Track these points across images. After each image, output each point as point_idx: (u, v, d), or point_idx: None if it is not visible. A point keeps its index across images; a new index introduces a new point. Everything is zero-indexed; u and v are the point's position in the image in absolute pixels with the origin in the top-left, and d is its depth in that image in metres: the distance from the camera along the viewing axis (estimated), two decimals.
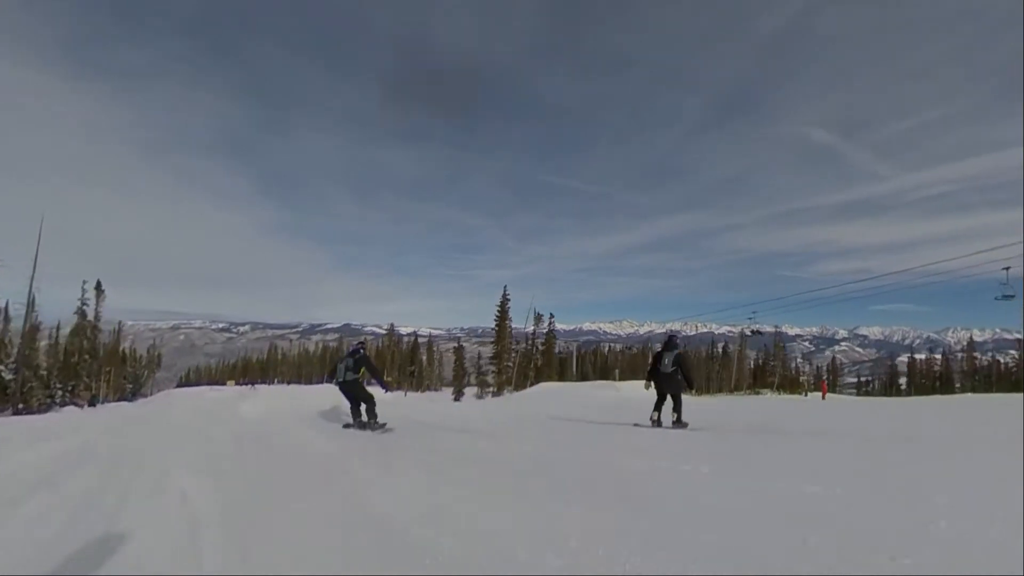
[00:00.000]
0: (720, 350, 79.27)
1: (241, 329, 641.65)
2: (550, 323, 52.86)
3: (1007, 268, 22.11)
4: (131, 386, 57.58)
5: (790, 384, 70.82)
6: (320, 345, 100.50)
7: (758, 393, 61.55)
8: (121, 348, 55.85)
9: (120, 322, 53.98)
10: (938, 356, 79.30)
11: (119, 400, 49.37)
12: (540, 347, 51.80)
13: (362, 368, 9.22)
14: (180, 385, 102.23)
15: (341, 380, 9.15)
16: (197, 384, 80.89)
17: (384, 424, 8.87)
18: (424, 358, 77.07)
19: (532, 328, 51.67)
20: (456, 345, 57.64)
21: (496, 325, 47.30)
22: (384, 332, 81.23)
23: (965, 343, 77.65)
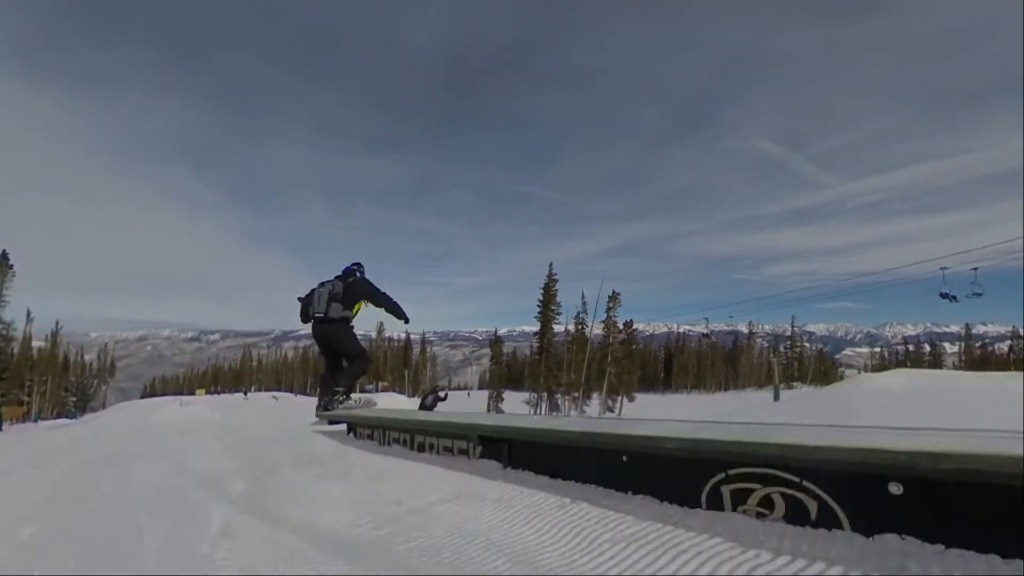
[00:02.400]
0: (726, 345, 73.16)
1: (211, 338, 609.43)
2: (608, 316, 41.07)
3: (975, 268, 23.10)
4: (74, 399, 45.91)
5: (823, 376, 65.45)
6: (300, 351, 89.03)
7: (791, 387, 56.36)
8: (60, 354, 44.22)
9: (56, 322, 42.58)
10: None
11: (58, 416, 38.32)
12: (617, 342, 40.71)
13: (358, 302, 5.12)
14: (145, 396, 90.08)
15: (318, 314, 4.96)
16: (162, 395, 68.90)
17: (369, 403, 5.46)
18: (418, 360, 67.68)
19: (604, 320, 40.73)
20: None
21: (539, 312, 38.02)
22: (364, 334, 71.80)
23: (901, 337, 79.63)
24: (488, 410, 32.60)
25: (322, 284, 5.16)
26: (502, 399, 39.25)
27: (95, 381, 51.68)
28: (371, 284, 5.26)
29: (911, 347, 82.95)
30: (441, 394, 5.45)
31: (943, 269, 22.92)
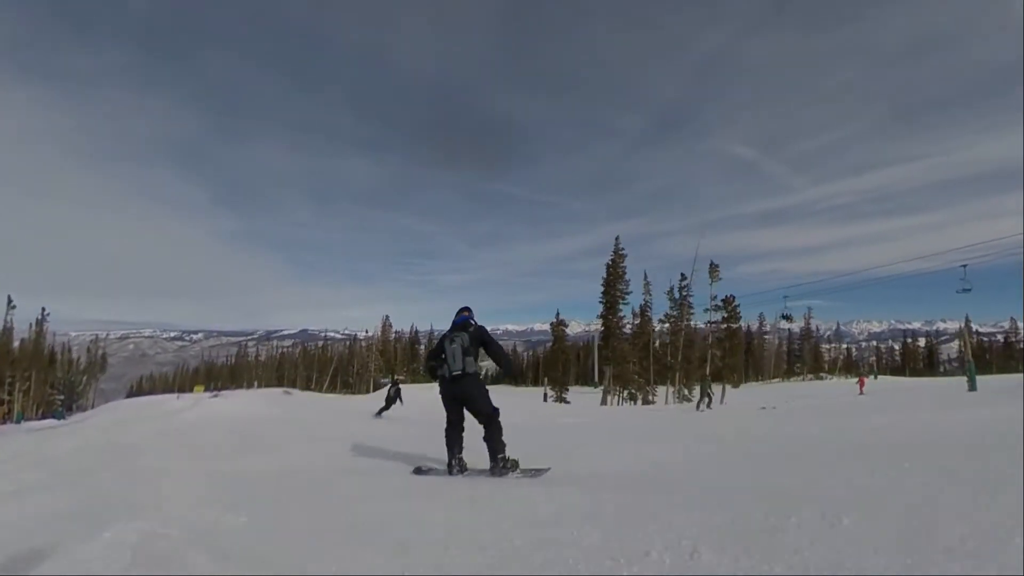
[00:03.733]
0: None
1: (194, 337, 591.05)
2: (682, 298, 35.48)
3: (964, 265, 23.51)
4: (62, 397, 40.72)
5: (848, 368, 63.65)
6: (306, 348, 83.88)
7: (821, 378, 54.29)
8: (46, 348, 38.99)
9: (43, 310, 37.47)
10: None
11: (44, 417, 33.43)
12: (721, 327, 34.96)
13: (478, 350, 4.95)
14: (131, 395, 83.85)
15: (456, 372, 4.78)
16: (150, 394, 63.32)
17: (516, 464, 4.66)
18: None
19: (711, 301, 34.65)
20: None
21: (603, 294, 33.68)
22: (341, 337, 68.36)
23: (867, 333, 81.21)
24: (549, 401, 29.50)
25: (451, 339, 4.89)
26: (566, 390, 35.87)
27: (84, 378, 46.21)
28: (487, 331, 5.06)
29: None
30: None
31: (964, 266, 23.78)
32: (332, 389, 56.73)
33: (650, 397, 32.14)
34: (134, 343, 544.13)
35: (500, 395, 5.95)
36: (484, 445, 4.71)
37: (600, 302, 34.23)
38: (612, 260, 34.16)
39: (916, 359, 79.91)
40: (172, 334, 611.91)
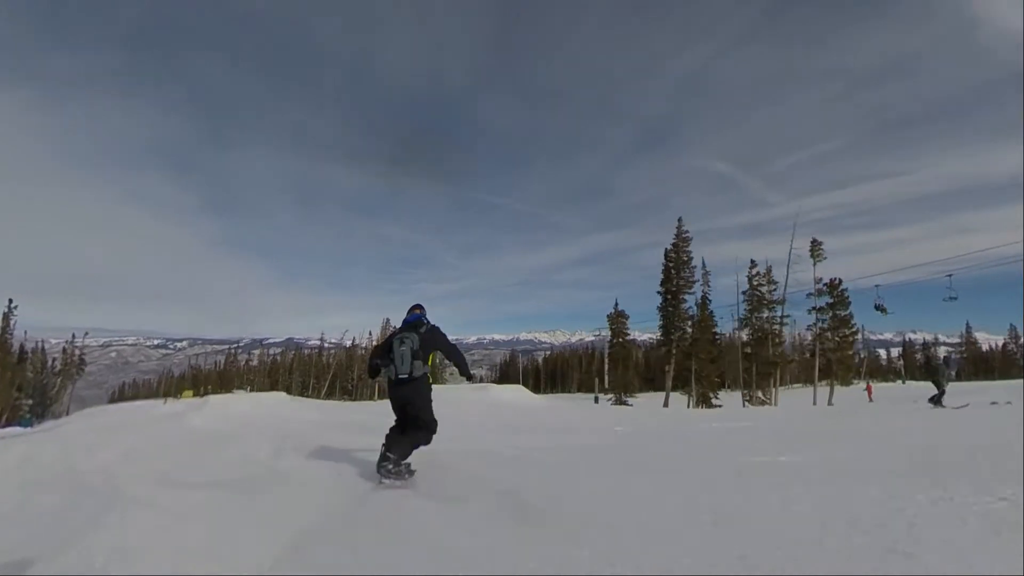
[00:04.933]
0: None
1: (179, 345, 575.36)
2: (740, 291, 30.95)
3: (950, 275, 23.66)
4: (31, 402, 35.72)
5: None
6: (300, 353, 78.71)
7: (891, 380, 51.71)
8: (14, 344, 34.09)
9: (9, 302, 32.72)
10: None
11: (8, 424, 28.73)
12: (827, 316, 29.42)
13: (432, 353, 4.65)
14: (114, 401, 78.06)
15: (402, 376, 4.44)
16: (133, 400, 58.03)
17: (410, 475, 4.28)
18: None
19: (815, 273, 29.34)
20: None
21: (662, 284, 29.80)
22: (332, 344, 64.52)
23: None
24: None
25: (400, 340, 4.48)
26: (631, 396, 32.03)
27: (58, 380, 41.08)
28: (443, 334, 4.66)
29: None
30: None
31: (949, 276, 23.83)
32: (331, 395, 52.42)
33: (713, 399, 28.41)
34: (116, 350, 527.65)
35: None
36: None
37: (659, 292, 30.55)
38: (674, 244, 30.38)
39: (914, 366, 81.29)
40: (156, 342, 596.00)
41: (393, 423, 4.76)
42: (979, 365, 77.08)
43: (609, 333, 39.20)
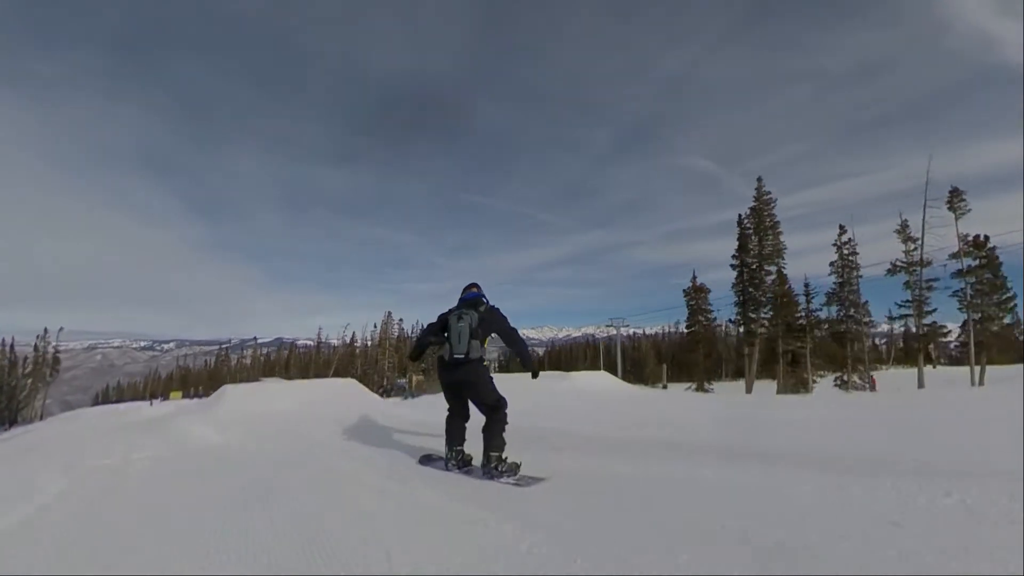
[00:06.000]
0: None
1: (166, 347, 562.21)
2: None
3: (945, 264, 23.80)
4: None
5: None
6: (295, 350, 74.24)
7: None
8: None
9: None
10: None
11: None
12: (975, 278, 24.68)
13: (488, 335, 4.18)
14: (98, 403, 73.24)
15: (458, 356, 3.98)
16: (118, 402, 53.29)
17: (516, 468, 3.79)
18: None
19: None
20: None
21: (738, 251, 26.17)
22: (314, 344, 60.69)
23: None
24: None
25: (458, 316, 4.04)
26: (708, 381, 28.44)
27: (29, 382, 36.31)
28: (503, 316, 4.19)
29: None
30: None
31: (944, 265, 23.59)
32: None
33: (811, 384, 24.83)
34: (102, 353, 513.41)
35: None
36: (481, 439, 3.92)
37: (733, 265, 26.59)
38: (753, 209, 26.29)
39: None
40: (142, 344, 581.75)
41: (447, 413, 4.34)
42: None
43: (617, 325, 35.50)
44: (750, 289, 26.49)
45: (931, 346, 24.33)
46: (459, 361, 3.96)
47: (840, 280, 26.23)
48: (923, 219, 23.93)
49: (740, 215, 27.38)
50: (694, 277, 33.50)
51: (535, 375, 4.41)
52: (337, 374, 51.93)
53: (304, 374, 59.89)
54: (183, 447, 5.58)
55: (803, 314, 26.78)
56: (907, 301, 24.04)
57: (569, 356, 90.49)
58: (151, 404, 21.38)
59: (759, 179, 26.88)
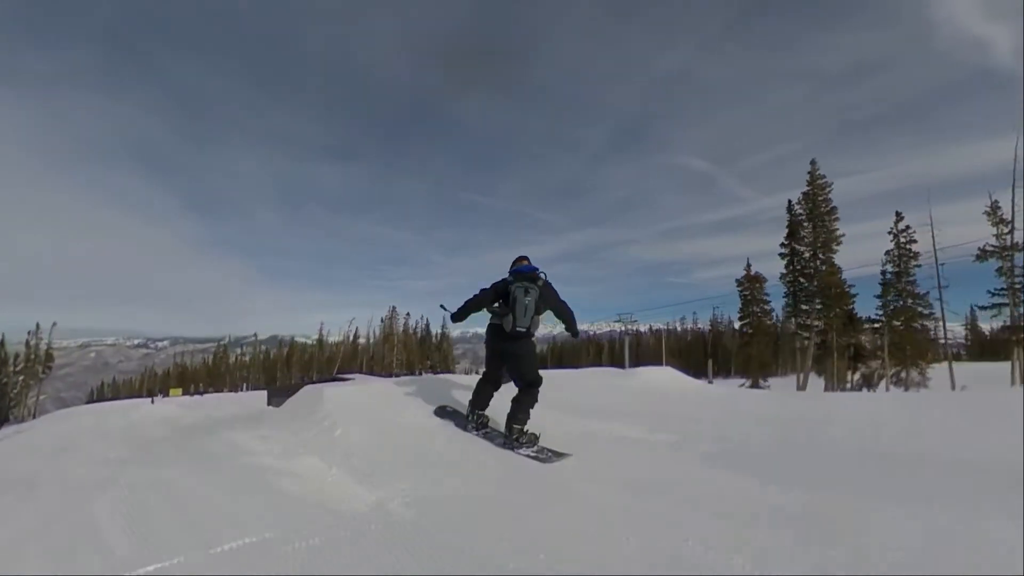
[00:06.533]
0: None
1: (160, 344, 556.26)
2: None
3: (943, 264, 22.81)
4: None
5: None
6: (296, 347, 72.19)
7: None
8: None
9: None
10: None
11: None
12: None
13: (545, 310, 4.20)
14: (93, 400, 71.22)
15: (521, 329, 4.03)
16: (113, 399, 51.15)
17: (535, 439, 3.90)
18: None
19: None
20: None
21: (788, 236, 24.65)
22: (313, 342, 59.04)
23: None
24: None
25: (525, 290, 4.01)
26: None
27: (20, 379, 34.40)
28: (555, 290, 4.24)
29: None
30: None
31: (942, 265, 22.73)
32: None
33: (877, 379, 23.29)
34: (96, 351, 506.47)
35: None
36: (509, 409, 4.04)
37: (781, 254, 24.93)
38: (805, 194, 24.77)
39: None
40: (136, 341, 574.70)
41: (481, 377, 4.51)
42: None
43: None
44: (801, 279, 25.02)
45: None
46: (520, 334, 4.02)
47: (896, 270, 24.47)
48: (1012, 201, 21.80)
49: (789, 200, 25.86)
50: (748, 265, 30.73)
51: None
52: (341, 371, 50.32)
53: (307, 371, 58.20)
54: (301, 521, 2.62)
55: (879, 306, 24.87)
56: (1000, 289, 22.06)
57: (572, 352, 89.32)
58: (152, 402, 19.84)
59: (812, 161, 25.11)
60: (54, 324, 37.58)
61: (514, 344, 4.08)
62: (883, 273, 24.71)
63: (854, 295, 24.44)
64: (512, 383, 4.28)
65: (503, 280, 4.22)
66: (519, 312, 3.93)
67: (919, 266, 23.89)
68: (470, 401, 4.40)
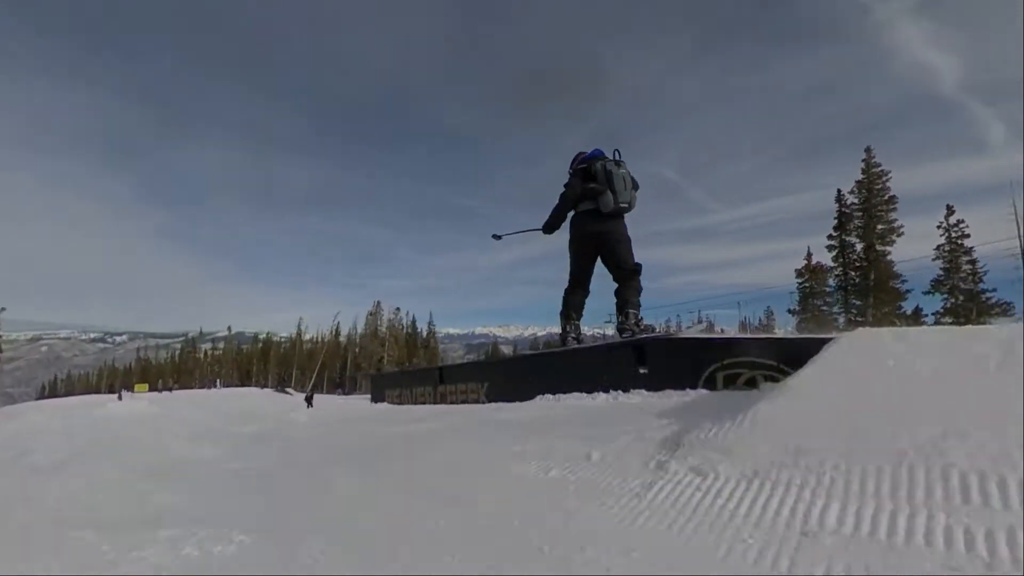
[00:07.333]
0: None
1: (118, 339, 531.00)
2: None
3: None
4: None
5: None
6: (273, 343, 67.94)
7: None
8: None
9: None
10: None
11: None
12: None
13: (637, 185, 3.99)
14: (44, 396, 65.90)
15: (623, 204, 3.69)
16: (68, 396, 46.68)
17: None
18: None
19: None
20: None
21: (837, 228, 24.06)
22: (287, 338, 56.87)
23: None
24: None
25: (617, 163, 3.66)
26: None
27: None
28: None
29: None
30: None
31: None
32: (316, 390, 43.73)
33: None
34: (48, 344, 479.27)
35: None
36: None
37: (830, 246, 23.48)
38: (860, 183, 23.09)
39: None
40: (92, 335, 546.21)
41: (568, 285, 3.94)
42: None
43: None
44: (851, 272, 23.48)
45: None
46: (623, 210, 3.64)
47: (947, 266, 22.89)
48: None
49: (839, 190, 24.12)
50: (809, 255, 27.07)
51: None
52: (322, 370, 47.09)
53: (280, 370, 54.60)
54: None
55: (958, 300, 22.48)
56: None
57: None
58: (120, 398, 16.86)
59: (868, 148, 23.33)
60: (2, 309, 33.55)
61: (614, 224, 3.67)
62: (944, 270, 23.36)
63: (907, 290, 23.17)
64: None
65: (579, 167, 3.78)
66: (618, 185, 3.55)
67: (973, 261, 22.56)
68: (562, 313, 4.00)
